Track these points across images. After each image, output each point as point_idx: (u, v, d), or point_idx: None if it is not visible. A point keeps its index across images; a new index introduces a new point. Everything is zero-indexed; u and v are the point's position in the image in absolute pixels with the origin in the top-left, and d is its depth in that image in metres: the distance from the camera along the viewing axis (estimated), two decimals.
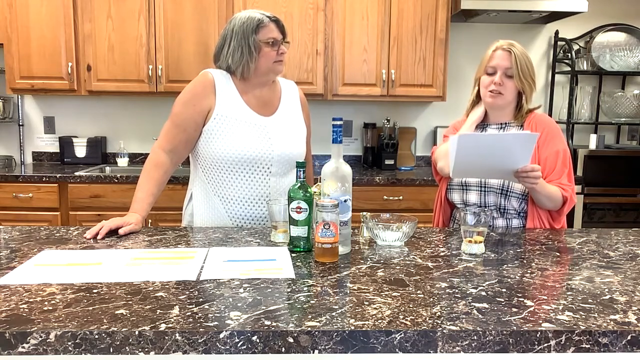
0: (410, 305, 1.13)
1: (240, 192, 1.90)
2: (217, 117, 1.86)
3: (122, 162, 3.75)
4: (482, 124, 2.02)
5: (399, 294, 1.20)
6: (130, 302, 1.13)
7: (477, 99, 2.02)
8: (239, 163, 1.86)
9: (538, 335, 1.02)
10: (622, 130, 4.05)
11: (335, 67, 3.50)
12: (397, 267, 1.40)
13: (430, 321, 1.05)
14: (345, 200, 1.49)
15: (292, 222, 1.52)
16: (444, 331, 1.01)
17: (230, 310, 1.09)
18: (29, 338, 0.98)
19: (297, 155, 1.95)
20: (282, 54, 1.88)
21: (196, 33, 3.42)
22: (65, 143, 3.73)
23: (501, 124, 1.99)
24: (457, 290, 1.23)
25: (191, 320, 1.04)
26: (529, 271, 1.39)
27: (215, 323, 1.03)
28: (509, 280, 1.31)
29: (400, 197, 3.31)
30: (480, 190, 1.94)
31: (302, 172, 1.53)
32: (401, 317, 1.07)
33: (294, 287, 1.24)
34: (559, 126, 2.00)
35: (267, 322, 1.03)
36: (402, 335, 1.01)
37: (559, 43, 3.89)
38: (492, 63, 1.92)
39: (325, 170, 1.50)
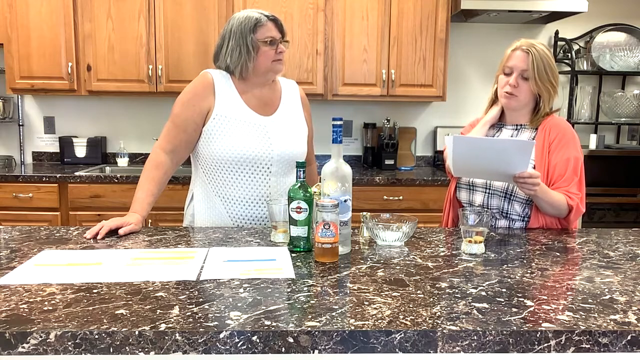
0: (410, 305, 1.13)
1: (240, 192, 1.90)
2: (216, 118, 1.86)
3: (122, 162, 3.75)
4: (499, 124, 2.01)
5: (399, 294, 1.20)
6: (130, 302, 1.13)
7: (497, 97, 1.98)
8: (239, 163, 1.86)
9: (538, 335, 1.02)
10: (622, 130, 4.05)
11: (335, 67, 3.50)
12: (397, 267, 1.40)
13: (430, 321, 1.05)
14: (345, 200, 1.49)
15: (292, 222, 1.52)
16: (444, 331, 1.01)
17: (230, 310, 1.09)
18: (29, 338, 0.98)
19: (298, 155, 1.94)
20: (281, 52, 1.88)
21: (196, 33, 3.42)
22: (65, 143, 3.73)
23: (517, 125, 1.97)
24: (457, 290, 1.23)
25: (191, 320, 1.04)
26: (529, 271, 1.39)
27: (215, 323, 1.03)
28: (509, 280, 1.31)
29: (400, 197, 3.31)
30: (485, 192, 1.93)
31: (302, 172, 1.53)
32: (401, 317, 1.07)
33: (294, 287, 1.24)
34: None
35: (267, 322, 1.03)
36: (402, 335, 1.01)
37: (559, 43, 3.88)
38: (510, 63, 1.88)
39: (325, 170, 1.50)
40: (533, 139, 1.91)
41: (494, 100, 2.01)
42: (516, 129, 1.97)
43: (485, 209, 1.65)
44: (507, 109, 1.96)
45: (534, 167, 1.86)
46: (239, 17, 1.87)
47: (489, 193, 1.92)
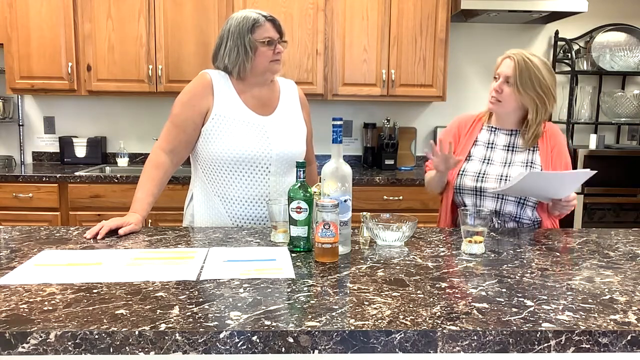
0: (410, 305, 1.13)
1: (240, 192, 1.90)
2: (215, 118, 1.87)
3: (122, 162, 3.75)
4: (492, 127, 2.03)
5: (399, 294, 1.20)
6: (130, 302, 1.13)
7: None
8: (238, 163, 1.87)
9: (538, 335, 1.02)
10: (622, 130, 4.05)
11: (335, 67, 3.50)
12: (397, 267, 1.40)
13: (430, 321, 1.05)
14: (345, 200, 1.49)
15: (292, 222, 1.52)
16: (444, 331, 1.01)
17: (230, 310, 1.09)
18: (29, 338, 0.98)
19: (297, 155, 1.94)
20: (279, 53, 1.88)
21: (196, 33, 3.42)
22: (65, 143, 3.73)
23: (511, 130, 2.00)
24: (457, 290, 1.23)
25: (191, 320, 1.04)
26: (529, 271, 1.39)
27: (215, 323, 1.03)
28: (509, 280, 1.31)
29: (400, 197, 3.31)
30: (498, 198, 1.94)
31: (302, 172, 1.53)
32: (401, 317, 1.07)
33: (294, 287, 1.24)
34: (558, 126, 2.06)
35: (267, 322, 1.03)
36: (402, 335, 1.01)
37: (559, 43, 3.89)
38: (498, 70, 1.95)
39: (325, 170, 1.50)
40: (534, 146, 1.96)
41: None
42: (511, 134, 2.00)
43: (488, 211, 1.65)
44: (494, 112, 2.01)
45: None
46: (237, 18, 1.87)
47: (502, 199, 1.93)
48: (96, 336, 0.98)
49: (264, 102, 1.95)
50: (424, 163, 3.97)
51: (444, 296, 1.19)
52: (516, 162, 1.95)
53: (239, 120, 1.88)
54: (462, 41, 3.90)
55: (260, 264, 1.40)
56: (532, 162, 1.93)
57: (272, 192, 1.91)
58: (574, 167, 3.55)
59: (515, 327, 1.03)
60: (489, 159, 1.98)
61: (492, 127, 2.03)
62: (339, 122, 1.51)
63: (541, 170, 1.91)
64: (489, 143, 2.01)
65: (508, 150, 1.97)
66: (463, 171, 1.98)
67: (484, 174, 1.95)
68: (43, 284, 1.23)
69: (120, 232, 1.69)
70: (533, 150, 1.95)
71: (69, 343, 0.98)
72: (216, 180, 1.91)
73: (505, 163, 1.95)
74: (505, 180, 1.92)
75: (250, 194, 1.90)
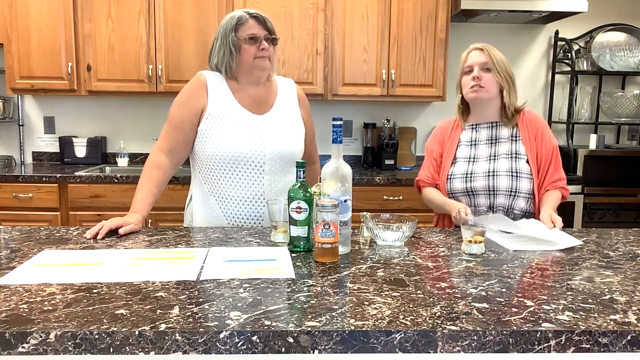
0: (410, 305, 1.13)
1: (234, 191, 1.89)
2: (209, 117, 1.87)
3: (122, 162, 3.75)
4: (472, 125, 2.03)
5: (399, 294, 1.20)
6: (130, 302, 1.13)
7: (463, 105, 2.07)
8: (232, 161, 1.86)
9: (538, 335, 1.02)
10: (622, 130, 4.05)
11: (335, 67, 3.50)
12: (397, 267, 1.40)
13: (430, 321, 1.05)
14: (345, 200, 1.49)
15: (292, 222, 1.52)
16: (444, 331, 1.01)
17: (230, 310, 1.09)
18: (29, 338, 0.98)
19: (292, 153, 1.94)
20: (264, 49, 1.87)
21: (196, 33, 3.42)
22: (65, 143, 3.73)
23: (491, 122, 2.02)
24: (457, 290, 1.23)
25: (191, 320, 1.04)
26: (529, 271, 1.39)
27: (215, 323, 1.03)
28: (509, 280, 1.31)
29: (400, 197, 3.31)
30: (489, 194, 1.95)
31: (302, 172, 1.53)
32: (401, 317, 1.07)
33: (294, 287, 1.24)
34: (557, 125, 2.07)
35: (267, 322, 1.03)
36: (402, 335, 1.01)
37: (559, 43, 3.88)
38: (468, 63, 2.01)
39: (325, 170, 1.50)
40: (514, 135, 1.99)
41: (462, 108, 2.08)
42: (492, 127, 2.01)
43: (488, 211, 1.66)
44: (476, 103, 2.01)
45: (527, 161, 1.96)
46: (225, 18, 1.91)
47: (494, 194, 1.94)
48: (96, 336, 0.98)
49: (260, 101, 1.95)
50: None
51: (444, 296, 1.19)
52: (501, 154, 1.98)
53: (232, 119, 1.88)
54: (462, 41, 3.88)
55: (260, 264, 1.40)
56: (516, 153, 1.97)
57: (267, 191, 1.91)
58: (574, 167, 3.56)
59: (515, 327, 1.03)
60: (474, 157, 2.00)
61: (472, 125, 2.05)
62: (339, 122, 1.51)
63: (527, 161, 1.94)
64: (471, 141, 2.03)
65: (491, 143, 2.00)
66: (451, 175, 2.00)
67: (471, 173, 1.97)
68: (43, 284, 1.23)
69: (121, 231, 1.69)
70: (516, 140, 1.99)
71: (69, 343, 0.98)
72: (212, 180, 1.91)
73: (490, 158, 1.99)
74: (493, 176, 1.95)
75: (245, 193, 1.90)
